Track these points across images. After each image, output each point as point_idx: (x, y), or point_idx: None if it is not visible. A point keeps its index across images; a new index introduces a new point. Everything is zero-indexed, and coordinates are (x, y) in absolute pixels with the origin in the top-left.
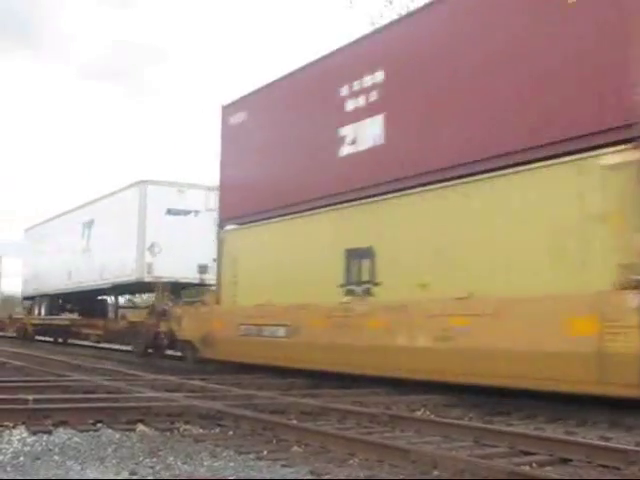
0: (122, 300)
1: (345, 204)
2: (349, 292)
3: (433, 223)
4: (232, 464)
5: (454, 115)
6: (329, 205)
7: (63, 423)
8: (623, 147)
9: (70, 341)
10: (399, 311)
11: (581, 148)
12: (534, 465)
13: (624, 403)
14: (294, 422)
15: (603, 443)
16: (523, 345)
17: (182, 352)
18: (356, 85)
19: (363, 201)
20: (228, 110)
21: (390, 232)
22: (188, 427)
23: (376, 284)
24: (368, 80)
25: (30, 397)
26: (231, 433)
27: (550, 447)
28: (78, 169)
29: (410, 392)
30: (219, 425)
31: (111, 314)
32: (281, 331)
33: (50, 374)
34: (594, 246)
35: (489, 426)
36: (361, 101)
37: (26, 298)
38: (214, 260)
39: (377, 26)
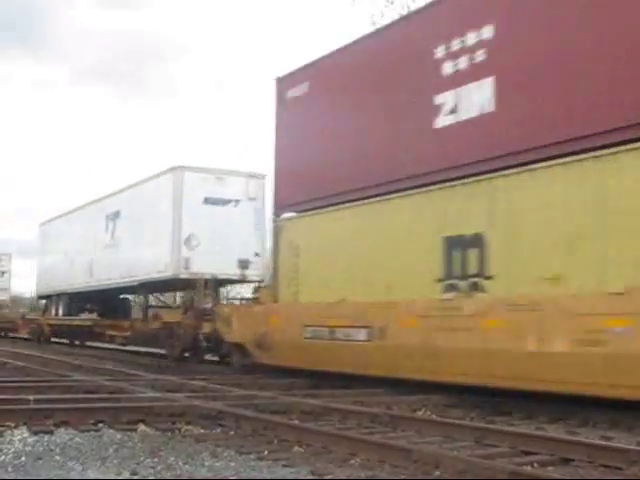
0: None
1: (442, 184)
2: (450, 287)
3: (566, 205)
4: (233, 464)
5: (595, 69)
6: (420, 186)
7: (64, 423)
8: None
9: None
10: (529, 309)
11: None
12: (535, 465)
13: (625, 403)
14: (295, 422)
15: (604, 443)
16: None
17: (228, 356)
18: (456, 44)
19: (467, 180)
20: (285, 82)
21: (507, 216)
22: (189, 427)
23: (487, 277)
24: (472, 38)
25: (31, 397)
26: (232, 433)
27: (551, 447)
28: (93, 167)
29: (411, 392)
30: (220, 425)
31: (135, 314)
32: (361, 334)
33: (51, 374)
34: None
35: (490, 426)
36: (463, 63)
37: (41, 297)
38: (256, 254)
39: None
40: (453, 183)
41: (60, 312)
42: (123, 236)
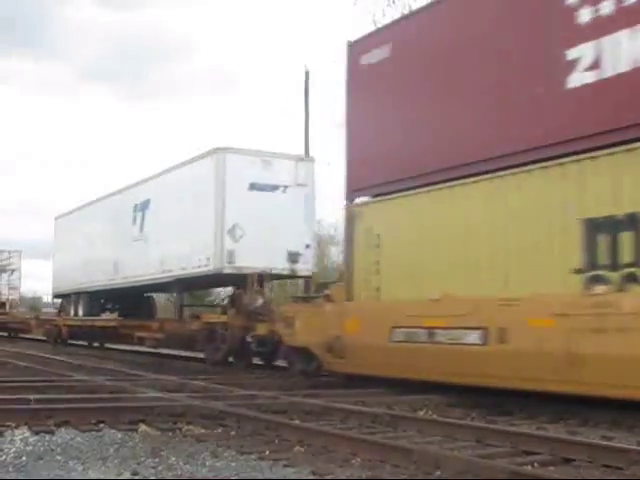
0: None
1: (578, 156)
2: (594, 279)
3: None
4: (234, 464)
5: None
6: (549, 159)
7: (65, 423)
8: None
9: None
10: None
11: None
12: (536, 465)
13: (625, 403)
14: (296, 422)
15: (605, 443)
16: None
17: (287, 362)
18: None
19: (616, 149)
20: (360, 47)
21: None
22: (190, 427)
23: None
24: None
25: (32, 397)
26: (233, 433)
27: (552, 447)
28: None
29: (412, 392)
30: (221, 425)
31: (160, 313)
32: (472, 336)
33: (53, 374)
34: None
35: (491, 426)
36: (607, 7)
37: (57, 296)
38: (307, 247)
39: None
40: (595, 154)
41: (80, 312)
42: (154, 228)
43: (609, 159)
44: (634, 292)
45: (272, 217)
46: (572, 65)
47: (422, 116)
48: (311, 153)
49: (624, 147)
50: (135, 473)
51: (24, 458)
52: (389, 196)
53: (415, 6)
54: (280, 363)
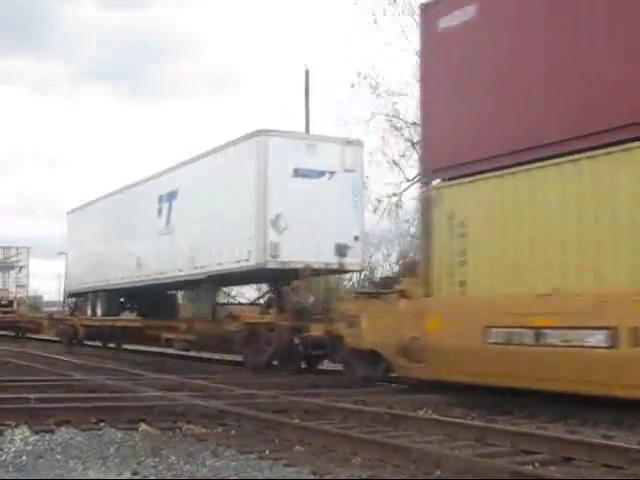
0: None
1: None
2: None
3: None
4: (234, 464)
5: None
6: None
7: (65, 422)
8: None
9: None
10: None
11: None
12: (536, 464)
13: (625, 402)
14: (296, 421)
15: (605, 442)
16: None
17: (346, 366)
18: None
19: None
20: (437, 8)
21: None
22: (190, 426)
23: None
24: None
25: (32, 396)
26: (233, 432)
27: (552, 446)
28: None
29: (412, 391)
30: (221, 424)
31: (182, 312)
32: (596, 337)
33: (53, 373)
34: None
35: (491, 425)
36: None
37: (72, 295)
38: (356, 239)
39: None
40: None
41: (98, 311)
42: (183, 220)
43: None
44: None
45: (318, 206)
46: None
47: (514, 84)
48: None
49: None
50: (135, 473)
51: (24, 457)
52: (475, 177)
53: (416, 5)
54: (327, 367)
